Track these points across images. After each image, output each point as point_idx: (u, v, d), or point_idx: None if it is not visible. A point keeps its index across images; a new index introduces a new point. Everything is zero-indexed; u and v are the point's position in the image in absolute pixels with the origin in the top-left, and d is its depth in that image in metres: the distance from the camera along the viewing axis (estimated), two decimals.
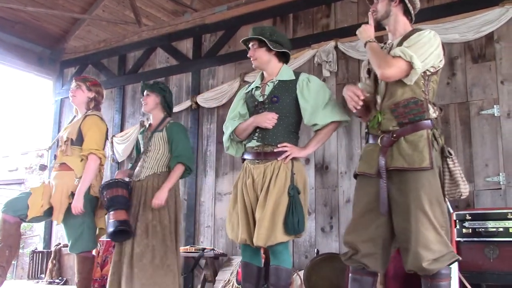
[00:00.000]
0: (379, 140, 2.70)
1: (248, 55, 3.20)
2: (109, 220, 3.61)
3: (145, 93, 3.94)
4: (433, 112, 2.66)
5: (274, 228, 2.89)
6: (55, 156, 3.87)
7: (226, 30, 6.55)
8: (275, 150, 3.04)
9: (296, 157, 3.06)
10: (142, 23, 7.09)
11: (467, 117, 4.81)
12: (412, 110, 2.62)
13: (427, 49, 2.59)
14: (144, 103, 3.94)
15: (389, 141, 2.65)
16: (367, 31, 2.78)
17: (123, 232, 3.58)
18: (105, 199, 3.64)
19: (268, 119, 3.04)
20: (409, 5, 2.79)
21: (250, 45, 3.19)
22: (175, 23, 7.04)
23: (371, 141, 2.78)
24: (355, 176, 2.90)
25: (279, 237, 2.90)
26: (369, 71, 2.93)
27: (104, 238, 5.75)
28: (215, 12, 6.67)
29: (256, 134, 3.11)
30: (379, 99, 2.77)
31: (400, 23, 2.80)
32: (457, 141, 4.81)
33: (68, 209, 3.74)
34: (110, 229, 3.55)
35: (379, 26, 2.86)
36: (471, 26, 4.81)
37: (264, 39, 3.10)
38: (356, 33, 2.82)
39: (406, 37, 2.70)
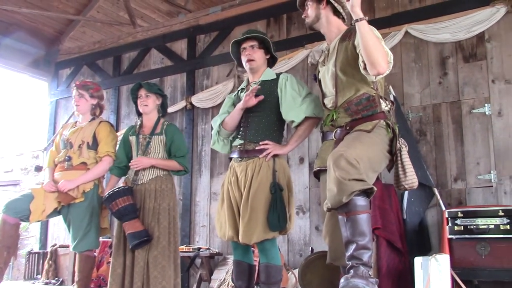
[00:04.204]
0: (333, 134, 2.75)
1: (245, 54, 3.21)
2: (128, 232, 3.58)
3: (144, 93, 3.83)
4: (385, 106, 2.70)
5: (257, 225, 2.94)
6: (69, 157, 3.87)
7: (220, 31, 6.58)
8: (256, 148, 3.08)
9: (278, 154, 3.09)
10: (137, 24, 7.11)
11: (459, 116, 4.86)
12: (365, 106, 2.67)
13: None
14: (145, 104, 3.83)
15: (342, 133, 2.68)
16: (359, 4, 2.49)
17: (145, 241, 3.62)
18: (116, 209, 3.61)
19: (248, 95, 3.07)
20: (336, 4, 2.85)
21: (247, 46, 3.21)
22: (169, 24, 7.06)
23: (327, 138, 2.83)
24: (315, 175, 2.93)
25: (263, 234, 2.95)
26: (315, 77, 3.00)
27: (103, 238, 5.81)
28: (209, 13, 6.70)
29: (240, 133, 3.18)
30: (328, 101, 2.82)
31: (332, 23, 2.87)
32: (449, 140, 4.87)
33: (78, 207, 3.80)
34: (134, 242, 3.55)
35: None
36: (462, 26, 4.86)
37: (269, 40, 3.22)
38: (348, 5, 2.52)
39: (346, 35, 2.74)
